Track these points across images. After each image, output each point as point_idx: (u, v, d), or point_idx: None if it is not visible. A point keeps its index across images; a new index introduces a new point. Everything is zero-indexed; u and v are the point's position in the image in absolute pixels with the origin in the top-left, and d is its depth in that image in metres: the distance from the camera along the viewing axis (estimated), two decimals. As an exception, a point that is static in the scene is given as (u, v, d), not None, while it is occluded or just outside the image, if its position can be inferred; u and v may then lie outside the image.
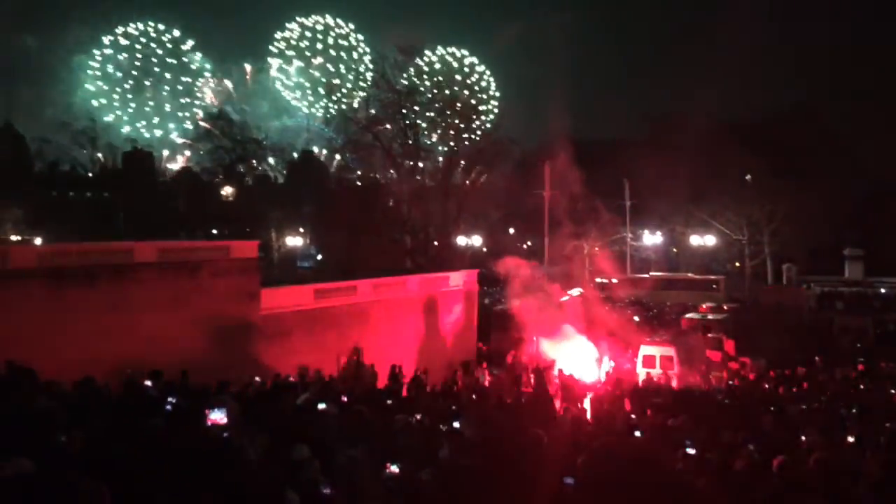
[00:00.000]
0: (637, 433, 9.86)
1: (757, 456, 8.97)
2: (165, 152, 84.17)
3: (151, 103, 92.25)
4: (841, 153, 52.75)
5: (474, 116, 49.85)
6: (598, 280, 52.37)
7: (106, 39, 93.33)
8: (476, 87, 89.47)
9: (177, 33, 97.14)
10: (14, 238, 50.17)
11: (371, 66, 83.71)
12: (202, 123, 68.42)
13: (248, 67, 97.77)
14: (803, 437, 12.53)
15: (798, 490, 7.10)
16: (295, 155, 77.90)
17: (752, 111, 57.92)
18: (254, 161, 65.85)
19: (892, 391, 22.19)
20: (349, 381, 19.95)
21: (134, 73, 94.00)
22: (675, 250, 66.41)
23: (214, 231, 57.11)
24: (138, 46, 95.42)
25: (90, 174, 60.87)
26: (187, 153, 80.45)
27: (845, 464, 8.95)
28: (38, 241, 45.40)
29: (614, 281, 53.00)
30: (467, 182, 49.73)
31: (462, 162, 50.25)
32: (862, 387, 23.25)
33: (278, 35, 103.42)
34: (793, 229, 53.44)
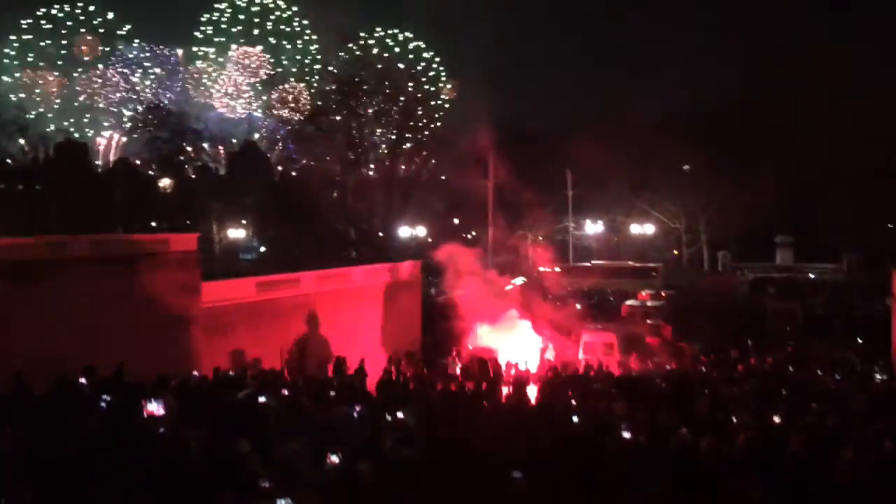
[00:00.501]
0: (575, 419, 10.10)
1: (690, 437, 9.28)
2: (99, 140, 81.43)
3: (82, 98, 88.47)
4: (772, 144, 54.52)
5: (419, 109, 49.79)
6: (541, 269, 52.96)
7: (25, 23, 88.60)
8: (422, 77, 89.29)
9: (110, 16, 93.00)
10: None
11: (317, 55, 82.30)
12: (137, 114, 66.51)
13: (180, 53, 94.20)
14: (734, 418, 13.01)
15: (727, 468, 7.40)
16: (234, 141, 76.17)
17: (690, 104, 59.34)
18: (193, 152, 64.41)
19: (819, 372, 23.16)
20: (294, 372, 19.85)
21: (60, 62, 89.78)
22: (615, 239, 67.64)
23: (153, 224, 55.75)
24: (63, 31, 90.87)
25: (21, 166, 58.58)
26: (123, 139, 77.72)
27: (772, 442, 9.34)
28: (-35, 235, 43.56)
29: (557, 270, 53.68)
30: (412, 170, 49.71)
31: (407, 151, 50.20)
32: (791, 369, 24.17)
33: (205, 17, 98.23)
34: (727, 217, 55.17)
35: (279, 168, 63.40)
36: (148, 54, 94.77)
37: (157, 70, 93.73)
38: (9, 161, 58.89)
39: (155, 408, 7.95)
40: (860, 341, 29.40)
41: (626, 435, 8.88)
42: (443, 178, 50.44)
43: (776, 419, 12.33)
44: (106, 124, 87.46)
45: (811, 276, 53.68)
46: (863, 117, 54.13)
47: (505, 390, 18.17)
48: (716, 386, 18.87)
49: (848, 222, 50.39)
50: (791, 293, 44.66)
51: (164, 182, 60.86)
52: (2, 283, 15.92)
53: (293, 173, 53.26)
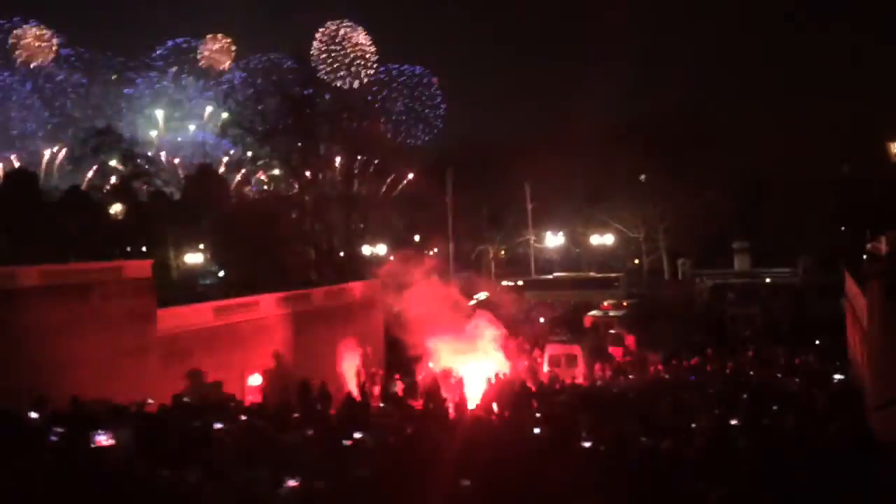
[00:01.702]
0: (537, 430, 10.08)
1: (650, 443, 9.32)
2: (44, 165, 79.58)
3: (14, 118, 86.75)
4: (725, 151, 55.71)
5: (374, 125, 49.76)
6: (504, 283, 53.09)
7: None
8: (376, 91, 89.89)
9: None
10: None
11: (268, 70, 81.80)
12: (85, 138, 65.02)
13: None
14: (695, 423, 13.12)
15: (684, 469, 7.44)
16: (176, 164, 74.77)
17: (642, 113, 60.18)
18: (146, 177, 63.41)
19: (779, 375, 23.55)
20: (255, 398, 19.56)
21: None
22: (576, 251, 68.24)
23: (106, 252, 54.55)
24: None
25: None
26: (66, 164, 75.91)
27: (729, 444, 9.43)
28: None
29: (519, 283, 53.90)
30: (370, 188, 49.54)
31: (363, 168, 49.99)
32: (752, 372, 24.53)
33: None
34: (684, 225, 56.04)
35: (235, 190, 62.73)
36: (78, 64, 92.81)
37: (94, 87, 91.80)
38: None
39: (104, 439, 7.73)
40: (817, 343, 29.98)
41: (587, 444, 8.89)
42: (401, 194, 50.31)
43: (734, 421, 12.47)
44: (41, 139, 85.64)
45: (768, 280, 54.72)
46: (812, 123, 55.61)
47: (469, 406, 18.09)
48: (677, 392, 19.06)
49: (801, 226, 51.61)
50: (749, 298, 45.47)
51: (117, 208, 59.64)
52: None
53: (250, 195, 52.73)
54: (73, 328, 17.84)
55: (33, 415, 11.25)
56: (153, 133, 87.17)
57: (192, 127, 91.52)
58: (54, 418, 10.85)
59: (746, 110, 64.25)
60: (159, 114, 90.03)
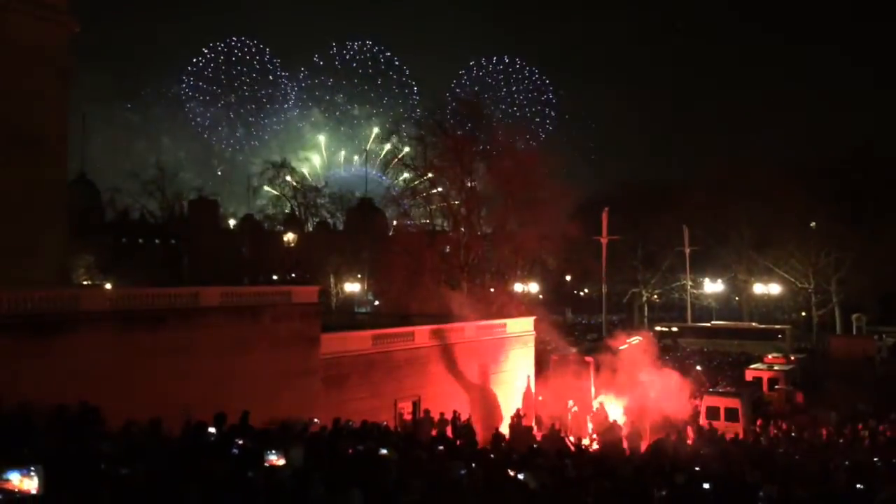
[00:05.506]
0: (706, 486, 9.54)
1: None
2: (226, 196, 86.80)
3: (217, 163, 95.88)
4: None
5: (531, 164, 49.75)
6: (658, 328, 51.27)
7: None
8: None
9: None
10: (85, 283, 51.96)
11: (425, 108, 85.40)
12: (265, 170, 70.14)
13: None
14: (880, 495, 11.95)
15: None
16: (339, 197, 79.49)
17: (816, 155, 56.48)
18: (314, 208, 67.38)
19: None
20: (408, 426, 19.95)
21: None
22: (737, 299, 64.77)
23: (276, 277, 58.23)
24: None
25: (158, 222, 63.01)
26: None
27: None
28: (108, 285, 46.84)
29: (675, 329, 51.91)
30: (523, 226, 49.48)
31: (518, 206, 50.04)
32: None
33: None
34: (861, 277, 51.52)
35: (394, 223, 65.03)
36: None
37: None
38: (157, 221, 63.41)
39: (276, 458, 8.14)
40: None
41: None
42: (555, 233, 49.86)
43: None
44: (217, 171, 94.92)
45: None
46: None
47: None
48: (856, 458, 17.48)
49: None
50: (936, 360, 41.22)
51: (287, 237, 63.64)
52: (141, 330, 16.89)
53: (406, 229, 54.40)
54: (246, 347, 18.95)
55: (212, 429, 12.01)
56: (318, 166, 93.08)
57: (354, 160, 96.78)
58: (231, 432, 11.56)
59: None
60: (322, 148, 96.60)
